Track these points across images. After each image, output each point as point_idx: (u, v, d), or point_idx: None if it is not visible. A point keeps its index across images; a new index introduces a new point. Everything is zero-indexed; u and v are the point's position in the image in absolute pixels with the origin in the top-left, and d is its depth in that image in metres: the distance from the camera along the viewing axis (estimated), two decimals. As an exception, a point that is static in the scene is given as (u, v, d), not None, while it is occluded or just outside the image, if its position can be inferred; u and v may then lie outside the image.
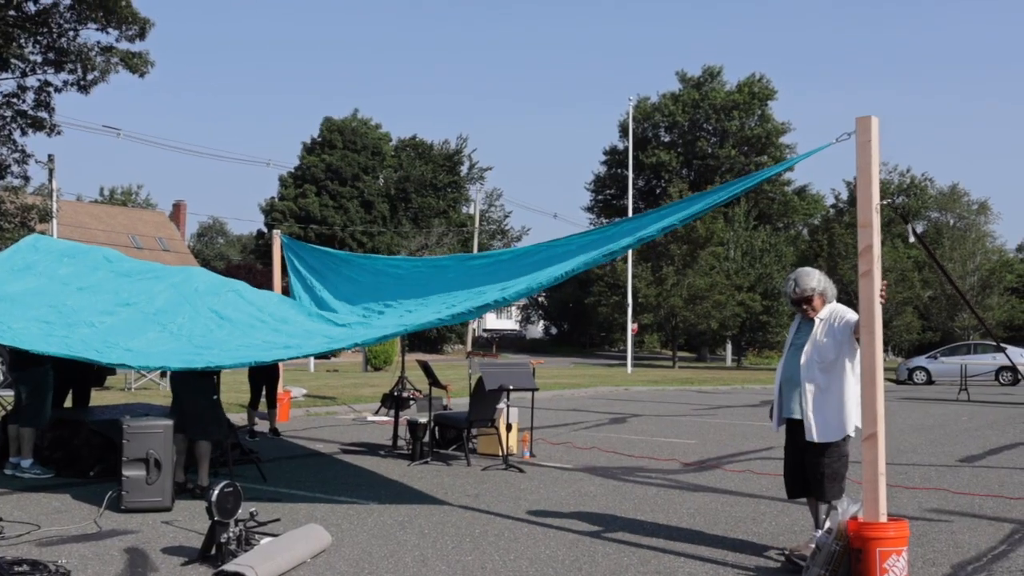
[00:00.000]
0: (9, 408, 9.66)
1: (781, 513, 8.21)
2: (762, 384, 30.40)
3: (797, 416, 6.49)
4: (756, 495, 9.15)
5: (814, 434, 6.34)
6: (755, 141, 67.79)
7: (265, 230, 63.50)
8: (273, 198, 65.17)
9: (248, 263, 58.33)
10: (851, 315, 6.37)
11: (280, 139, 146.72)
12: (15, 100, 27.77)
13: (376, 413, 16.30)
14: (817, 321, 6.50)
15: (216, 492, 6.17)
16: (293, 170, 64.84)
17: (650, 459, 11.67)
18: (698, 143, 68.04)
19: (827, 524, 6.12)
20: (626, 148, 53.69)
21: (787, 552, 6.62)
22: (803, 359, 6.45)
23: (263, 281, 16.72)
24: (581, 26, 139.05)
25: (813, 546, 6.06)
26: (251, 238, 77.07)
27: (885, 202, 6.16)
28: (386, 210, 64.46)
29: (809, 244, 55.35)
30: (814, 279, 6.58)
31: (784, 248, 57.20)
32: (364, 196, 63.33)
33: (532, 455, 11.58)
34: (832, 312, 6.51)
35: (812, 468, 6.42)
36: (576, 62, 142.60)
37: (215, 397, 8.82)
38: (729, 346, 59.56)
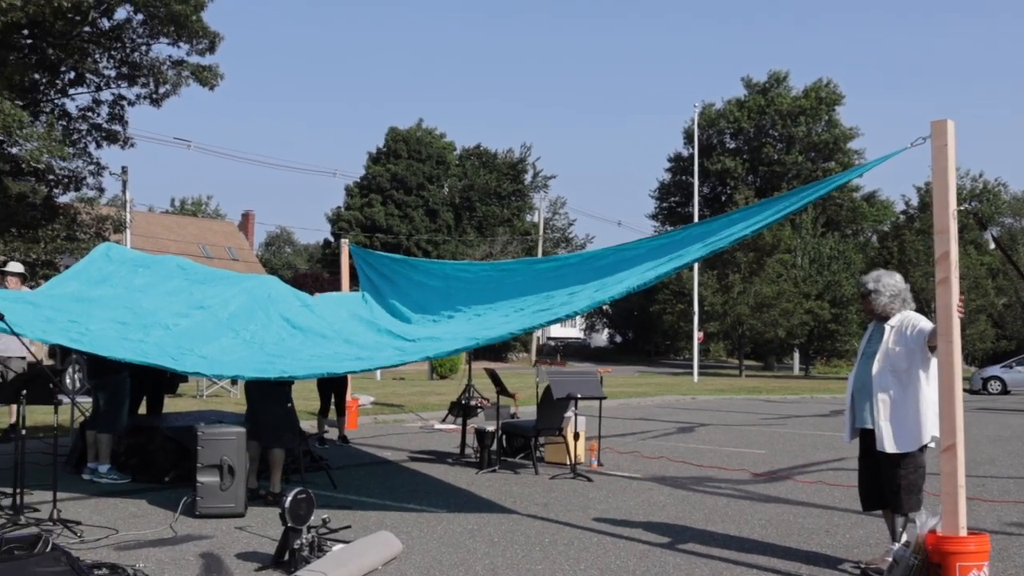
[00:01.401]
0: (87, 415, 9.86)
1: (855, 525, 8.07)
2: (831, 394, 29.95)
3: (870, 426, 6.37)
4: (829, 507, 9.01)
5: (886, 444, 6.22)
6: (822, 147, 66.96)
7: (332, 239, 64.18)
8: (339, 207, 65.86)
9: (315, 272, 58.99)
10: (924, 323, 6.25)
11: (346, 149, 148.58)
12: (90, 114, 28.47)
13: (443, 421, 16.35)
14: (887, 329, 6.39)
15: (289, 499, 6.24)
16: (359, 180, 65.47)
17: (719, 469, 11.55)
18: (764, 149, 67.37)
19: (904, 537, 6.00)
20: (691, 155, 53.33)
21: (863, 565, 6.51)
22: (875, 368, 6.35)
23: (331, 290, 16.87)
24: (645, 33, 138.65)
25: (890, 559, 5.94)
26: (318, 247, 77.99)
27: (962, 207, 6.03)
28: (451, 219, 64.78)
29: (879, 251, 54.37)
30: (871, 279, 6.53)
31: (853, 255, 56.25)
32: (429, 205, 63.71)
33: (600, 464, 11.53)
34: (904, 320, 6.39)
35: (888, 480, 6.30)
36: (641, 69, 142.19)
37: (289, 405, 8.91)
38: (797, 355, 58.76)
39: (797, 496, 9.62)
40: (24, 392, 7.68)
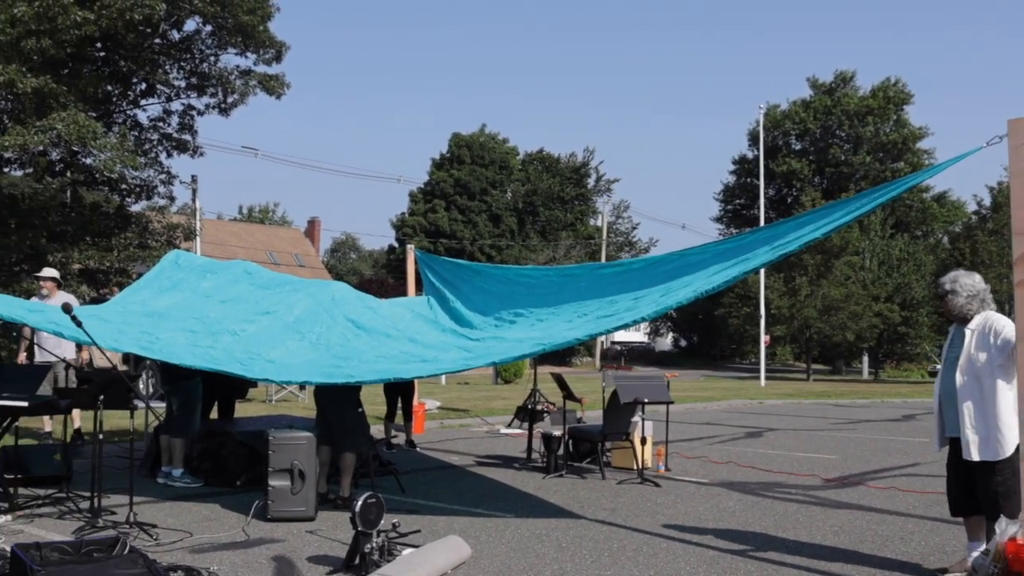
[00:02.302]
0: (162, 419, 10.06)
1: (931, 532, 7.92)
2: (902, 398, 29.42)
3: (957, 434, 6.22)
4: (903, 513, 8.85)
5: (972, 452, 6.06)
6: (891, 147, 65.80)
7: (396, 245, 64.73)
8: (404, 213, 66.41)
9: (380, 277, 59.39)
10: (1009, 330, 6.01)
11: (410, 155, 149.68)
12: (161, 124, 29.01)
13: (509, 425, 16.38)
14: (968, 333, 6.23)
15: (360, 503, 6.29)
16: (423, 185, 65.96)
17: (789, 474, 11.41)
18: (831, 150, 66.43)
19: (983, 545, 5.86)
20: (756, 157, 52.83)
21: (939, 574, 6.37)
22: (957, 376, 6.19)
23: (395, 296, 16.98)
24: (708, 35, 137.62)
25: (968, 567, 5.82)
26: (382, 253, 78.66)
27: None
28: (514, 223, 64.93)
29: (950, 252, 53.29)
30: (949, 279, 6.37)
31: (923, 257, 55.15)
32: (492, 210, 63.93)
33: (667, 469, 11.46)
34: (985, 322, 6.20)
35: (983, 488, 6.09)
36: (704, 71, 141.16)
37: (361, 410, 8.98)
38: (866, 358, 57.80)
39: (870, 502, 9.46)
40: (102, 397, 7.86)
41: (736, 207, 71.86)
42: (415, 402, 14.15)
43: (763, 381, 38.50)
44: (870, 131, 65.53)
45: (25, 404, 8.38)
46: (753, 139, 64.27)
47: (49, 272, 11.94)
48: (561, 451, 11.25)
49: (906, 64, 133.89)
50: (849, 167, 65.58)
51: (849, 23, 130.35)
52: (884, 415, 22.08)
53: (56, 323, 7.99)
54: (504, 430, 16.09)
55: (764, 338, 41.24)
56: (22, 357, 10.87)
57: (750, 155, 68.06)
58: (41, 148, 22.59)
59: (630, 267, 9.78)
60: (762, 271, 41.09)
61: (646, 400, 10.81)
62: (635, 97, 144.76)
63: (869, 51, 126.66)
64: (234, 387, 11.81)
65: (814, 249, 46.94)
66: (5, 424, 8.80)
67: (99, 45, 25.90)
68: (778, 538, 7.66)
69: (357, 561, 6.31)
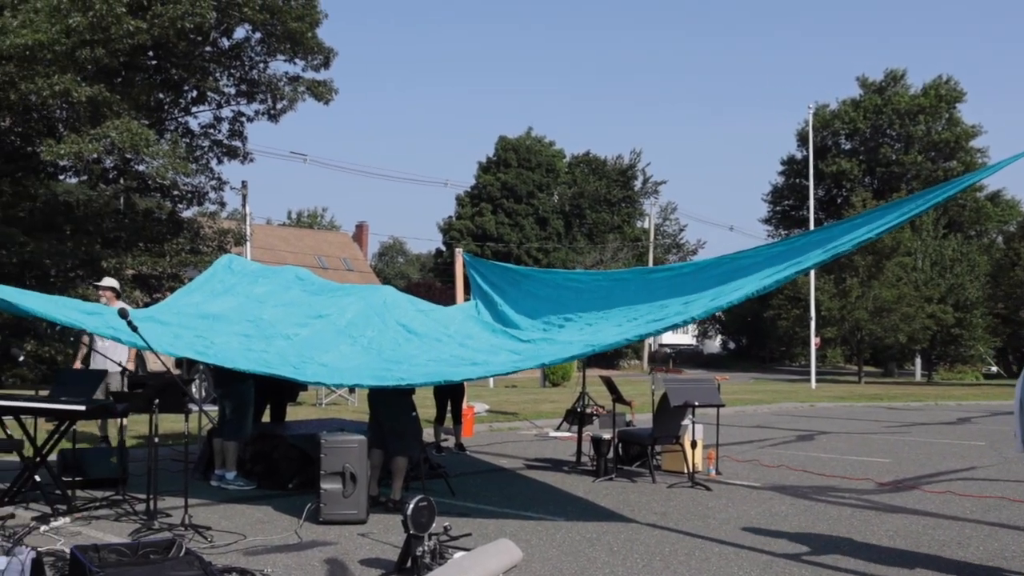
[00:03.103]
0: (214, 423, 10.18)
1: (989, 537, 7.78)
2: (956, 400, 28.98)
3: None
4: (959, 518, 8.70)
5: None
6: (943, 146, 64.89)
7: (443, 248, 64.97)
8: (451, 217, 66.70)
9: (427, 281, 59.73)
10: None
11: (457, 159, 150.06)
12: (212, 131, 29.44)
13: (558, 429, 16.36)
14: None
15: (412, 506, 6.30)
16: (470, 189, 66.19)
17: (842, 478, 11.27)
18: (881, 150, 65.66)
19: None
20: (805, 157, 52.39)
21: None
22: None
23: (443, 299, 17.05)
24: (756, 34, 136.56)
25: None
26: (430, 257, 79.05)
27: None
28: (561, 226, 64.92)
29: (1005, 252, 52.44)
30: None
31: (977, 257, 54.25)
32: (539, 213, 63.97)
33: (718, 473, 11.38)
34: None
35: None
36: (752, 71, 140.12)
37: (414, 414, 9.01)
38: (919, 360, 57.00)
39: (925, 506, 9.31)
40: (157, 401, 7.96)
41: (785, 208, 71.24)
42: (464, 405, 14.17)
43: (814, 384, 38.11)
44: (921, 130, 64.70)
45: (83, 408, 8.51)
46: (802, 139, 63.79)
47: (109, 282, 12.08)
48: (611, 454, 11.22)
49: (958, 62, 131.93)
50: (900, 167, 64.78)
51: (900, 21, 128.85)
52: (938, 418, 21.76)
53: (114, 328, 8.11)
54: (553, 433, 16.07)
55: (814, 340, 40.80)
56: (78, 363, 11.03)
57: (799, 155, 67.46)
58: (95, 156, 23.00)
59: (680, 271, 9.71)
60: (812, 273, 40.69)
61: (696, 403, 10.75)
62: (682, 98, 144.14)
63: (920, 49, 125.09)
64: (285, 391, 11.91)
65: (865, 250, 46.35)
66: (63, 428, 8.95)
67: (151, 54, 26.35)
68: (833, 542, 7.57)
69: (409, 564, 6.33)
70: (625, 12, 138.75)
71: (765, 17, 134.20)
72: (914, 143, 65.22)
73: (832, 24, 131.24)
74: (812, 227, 40.19)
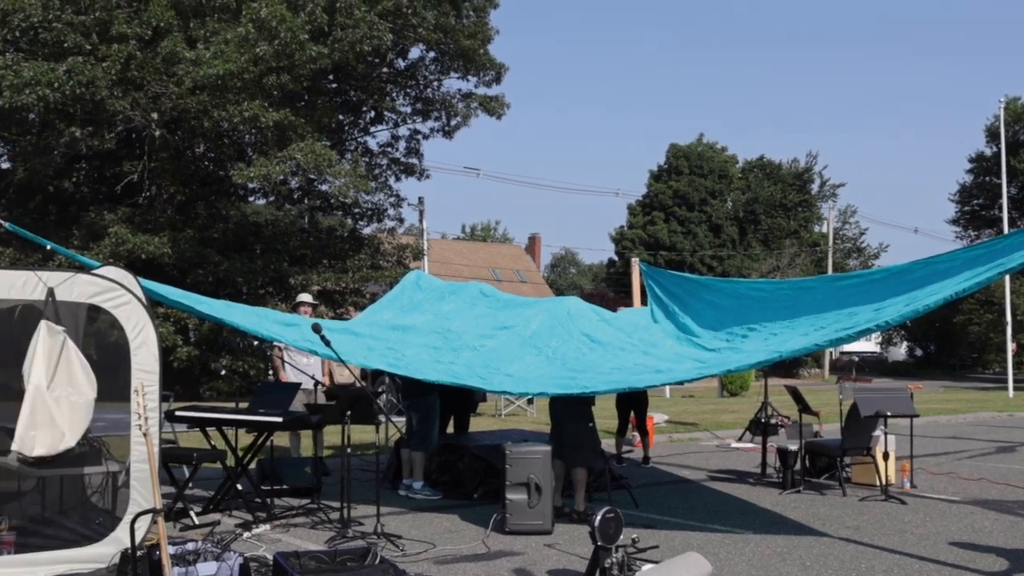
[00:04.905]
0: (402, 434, 10.46)
1: None
2: None
3: None
4: None
5: None
6: None
7: (616, 258, 64.84)
8: (623, 226, 66.42)
9: (600, 291, 59.66)
10: None
11: (627, 168, 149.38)
12: (389, 149, 30.38)
13: (740, 439, 16.04)
14: None
15: (599, 518, 6.29)
16: (641, 198, 65.77)
17: (1050, 493, 10.64)
18: (1080, 142, 61.66)
19: None
20: (995, 154, 49.79)
21: None
22: None
23: (616, 309, 16.99)
24: (938, 29, 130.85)
25: None
26: (602, 267, 78.99)
27: None
28: (735, 233, 63.76)
29: None
30: None
31: None
32: (712, 220, 63.02)
33: (913, 486, 10.91)
34: None
35: None
36: (934, 65, 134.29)
37: (591, 425, 9.02)
38: None
39: None
40: (349, 413, 8.25)
41: (974, 208, 67.74)
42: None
43: (1011, 392, 36.04)
44: None
45: (280, 420, 8.89)
46: (992, 135, 60.59)
47: (310, 298, 12.55)
48: (798, 466, 10.92)
49: None
50: (1102, 159, 60.67)
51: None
52: None
53: (310, 340, 8.44)
54: (735, 444, 15.77)
55: (1011, 346, 38.63)
56: (283, 375, 11.37)
57: (988, 152, 64.02)
58: (282, 177, 24.07)
59: (870, 278, 9.35)
60: (1007, 276, 38.57)
61: (889, 413, 10.35)
62: (859, 97, 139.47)
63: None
64: (468, 402, 12.14)
65: (1064, 249, 43.63)
66: (262, 439, 9.37)
67: (331, 77, 27.43)
68: (1044, 561, 7.15)
69: (597, 576, 6.33)
70: (795, 12, 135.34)
71: (949, 9, 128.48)
72: (1117, 133, 61.02)
73: (1021, 13, 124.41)
74: (1006, 227, 38.14)
